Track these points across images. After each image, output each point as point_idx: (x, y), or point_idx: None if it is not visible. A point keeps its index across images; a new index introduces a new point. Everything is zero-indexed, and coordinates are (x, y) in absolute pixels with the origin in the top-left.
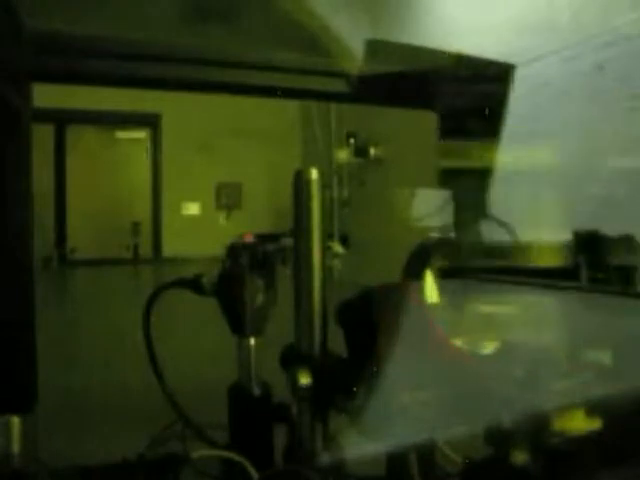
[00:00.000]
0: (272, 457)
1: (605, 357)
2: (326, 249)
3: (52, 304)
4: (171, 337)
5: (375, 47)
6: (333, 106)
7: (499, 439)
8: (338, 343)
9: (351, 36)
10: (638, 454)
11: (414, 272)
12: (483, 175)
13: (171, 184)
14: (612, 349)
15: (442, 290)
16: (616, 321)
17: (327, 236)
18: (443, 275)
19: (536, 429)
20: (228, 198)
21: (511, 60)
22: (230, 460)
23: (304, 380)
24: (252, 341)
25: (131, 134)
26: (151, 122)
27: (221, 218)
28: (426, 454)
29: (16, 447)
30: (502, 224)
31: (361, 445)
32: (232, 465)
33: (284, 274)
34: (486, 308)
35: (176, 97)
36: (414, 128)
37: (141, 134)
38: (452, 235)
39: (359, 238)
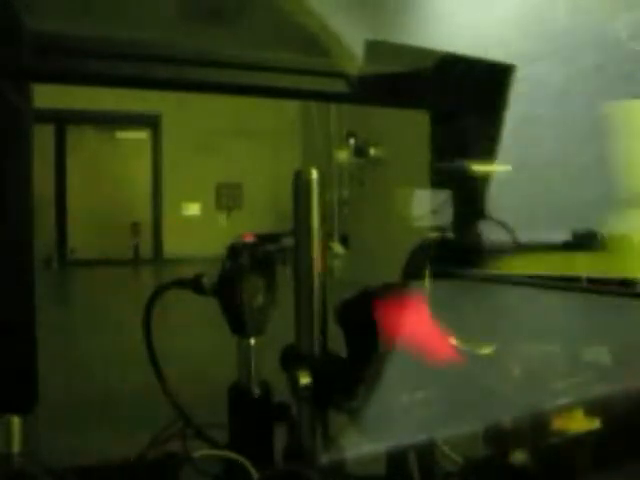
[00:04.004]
0: (272, 457)
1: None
2: (326, 249)
3: (53, 305)
4: (172, 337)
5: (375, 47)
6: (333, 106)
7: (499, 439)
8: (338, 343)
9: (351, 36)
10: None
11: (414, 272)
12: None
13: (171, 184)
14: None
15: (441, 290)
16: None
17: (327, 236)
18: None
19: (536, 429)
20: (228, 198)
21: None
22: (230, 460)
23: (304, 380)
24: (252, 341)
25: (131, 134)
26: (151, 122)
27: (221, 218)
28: (426, 454)
29: (16, 447)
30: (501, 224)
31: (361, 445)
32: (232, 465)
33: (284, 274)
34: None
35: (176, 97)
36: (414, 128)
37: (141, 134)
38: (451, 235)
39: (359, 238)
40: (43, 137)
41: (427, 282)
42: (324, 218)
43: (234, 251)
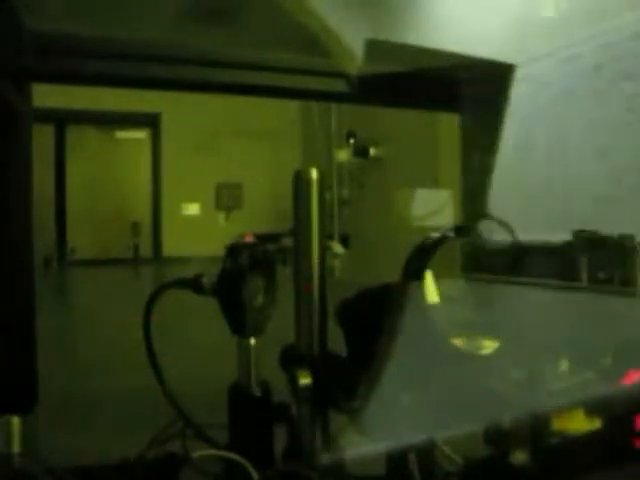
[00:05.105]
0: (272, 457)
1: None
2: (326, 249)
3: (53, 305)
4: (172, 336)
5: (375, 47)
6: (333, 106)
7: (499, 439)
8: (338, 343)
9: (351, 36)
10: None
11: (414, 272)
12: None
13: (171, 184)
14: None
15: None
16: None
17: (327, 236)
18: None
19: (536, 429)
20: (228, 198)
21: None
22: (230, 460)
23: (304, 380)
24: (252, 341)
25: (131, 134)
26: (151, 122)
27: (221, 218)
28: (426, 454)
29: (16, 447)
30: (502, 223)
31: (361, 445)
32: (232, 465)
33: (284, 274)
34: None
35: (176, 97)
36: (414, 128)
37: (141, 134)
38: (451, 235)
39: (359, 238)
40: (43, 137)
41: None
42: (324, 218)
43: (234, 251)
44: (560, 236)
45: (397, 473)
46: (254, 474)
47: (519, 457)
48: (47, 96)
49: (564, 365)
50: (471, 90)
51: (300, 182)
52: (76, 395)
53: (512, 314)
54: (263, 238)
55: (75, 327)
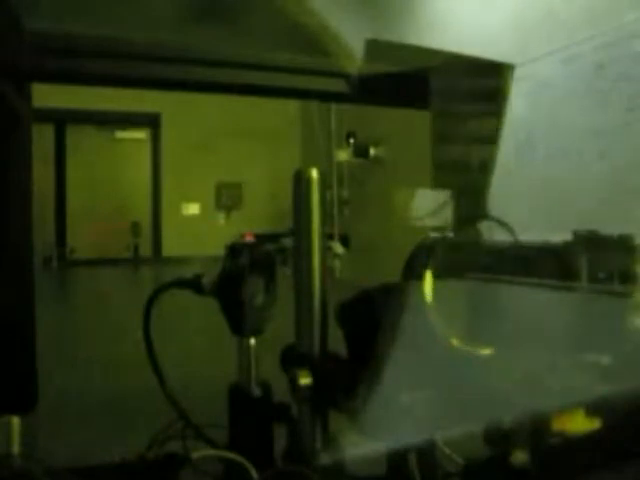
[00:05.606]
0: (272, 457)
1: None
2: (326, 249)
3: (53, 304)
4: (172, 336)
5: (375, 47)
6: (333, 106)
7: (499, 439)
8: (338, 343)
9: (351, 36)
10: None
11: (414, 272)
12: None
13: (171, 184)
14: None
15: (442, 290)
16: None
17: (327, 236)
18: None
19: (536, 429)
20: (228, 198)
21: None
22: (230, 460)
23: (304, 380)
24: (252, 341)
25: (131, 134)
26: (151, 122)
27: (221, 218)
28: (426, 454)
29: (16, 447)
30: (502, 224)
31: (361, 445)
32: (232, 465)
33: (284, 274)
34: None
35: (176, 97)
36: (414, 128)
37: (141, 134)
38: (451, 235)
39: (359, 238)
40: (43, 137)
41: (429, 282)
42: (324, 218)
43: (234, 251)
44: (560, 236)
45: (397, 473)
46: (254, 474)
47: (519, 457)
48: (47, 96)
49: (563, 365)
50: (470, 90)
51: (300, 182)
52: (73, 394)
53: (510, 315)
54: (263, 238)
55: (74, 327)
